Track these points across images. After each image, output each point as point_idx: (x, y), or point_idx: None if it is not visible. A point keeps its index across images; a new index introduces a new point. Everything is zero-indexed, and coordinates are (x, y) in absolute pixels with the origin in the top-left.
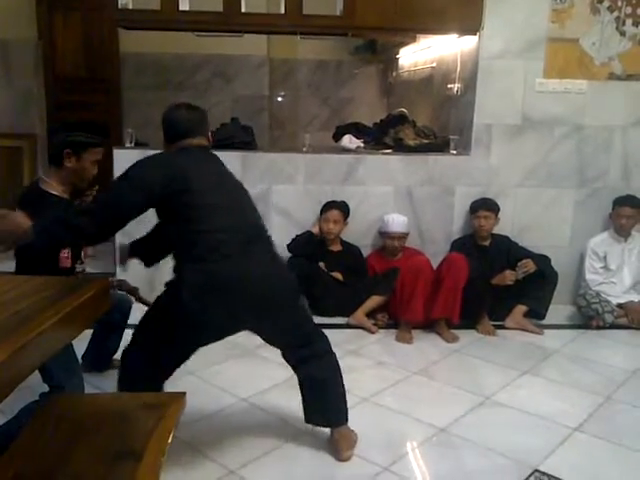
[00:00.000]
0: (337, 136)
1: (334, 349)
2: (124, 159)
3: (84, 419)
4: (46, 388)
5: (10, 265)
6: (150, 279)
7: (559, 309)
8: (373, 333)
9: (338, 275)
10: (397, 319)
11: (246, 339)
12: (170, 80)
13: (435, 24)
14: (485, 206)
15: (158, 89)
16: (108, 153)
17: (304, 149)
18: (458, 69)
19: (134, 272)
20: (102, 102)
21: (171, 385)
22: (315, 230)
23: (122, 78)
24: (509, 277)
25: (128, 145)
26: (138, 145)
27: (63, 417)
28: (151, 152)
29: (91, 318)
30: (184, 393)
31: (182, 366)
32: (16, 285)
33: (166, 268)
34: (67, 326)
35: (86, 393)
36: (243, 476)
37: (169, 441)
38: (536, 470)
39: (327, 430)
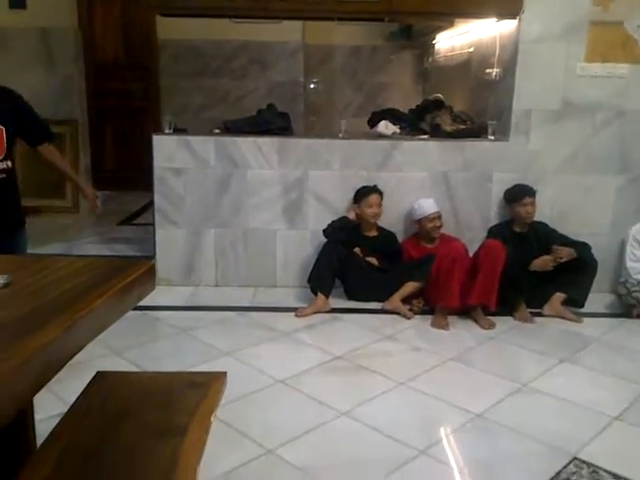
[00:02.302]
0: (372, 122)
1: (370, 333)
2: (163, 145)
3: (130, 396)
4: None
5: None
6: (189, 262)
7: (599, 297)
8: (409, 319)
9: (374, 260)
10: (433, 305)
11: (284, 323)
12: (207, 67)
13: (474, 8)
14: (529, 193)
15: (196, 76)
16: (148, 139)
17: (340, 135)
18: (497, 53)
19: (173, 254)
20: (140, 89)
21: (209, 366)
22: (351, 215)
23: (160, 65)
24: (549, 262)
25: (167, 131)
26: (177, 131)
27: (109, 394)
28: (190, 138)
29: (138, 298)
30: (225, 373)
31: (219, 348)
32: (64, 265)
33: (205, 251)
34: (115, 305)
35: (130, 371)
36: (281, 455)
37: (212, 418)
38: (575, 458)
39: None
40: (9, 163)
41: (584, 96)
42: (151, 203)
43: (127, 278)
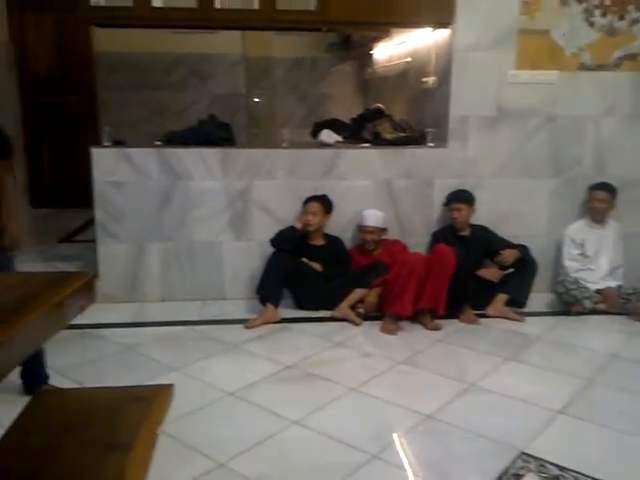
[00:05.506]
0: (315, 133)
1: (320, 341)
2: (102, 158)
3: (72, 413)
4: None
5: None
6: (133, 277)
7: (539, 297)
8: (358, 325)
9: (317, 266)
10: (384, 311)
11: (234, 335)
12: (146, 79)
13: (408, 17)
14: (457, 198)
15: (134, 89)
16: (85, 152)
17: (283, 144)
18: (433, 62)
19: (117, 270)
20: (77, 102)
21: (157, 383)
22: (298, 225)
23: (98, 78)
24: (496, 275)
25: (106, 144)
26: (116, 144)
27: (52, 411)
28: (129, 150)
29: (77, 311)
30: (171, 385)
31: (167, 363)
32: None
33: (150, 266)
34: (52, 318)
35: (73, 387)
36: (233, 468)
37: (158, 432)
38: (523, 453)
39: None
40: None
41: (516, 102)
42: (93, 219)
43: (64, 291)
